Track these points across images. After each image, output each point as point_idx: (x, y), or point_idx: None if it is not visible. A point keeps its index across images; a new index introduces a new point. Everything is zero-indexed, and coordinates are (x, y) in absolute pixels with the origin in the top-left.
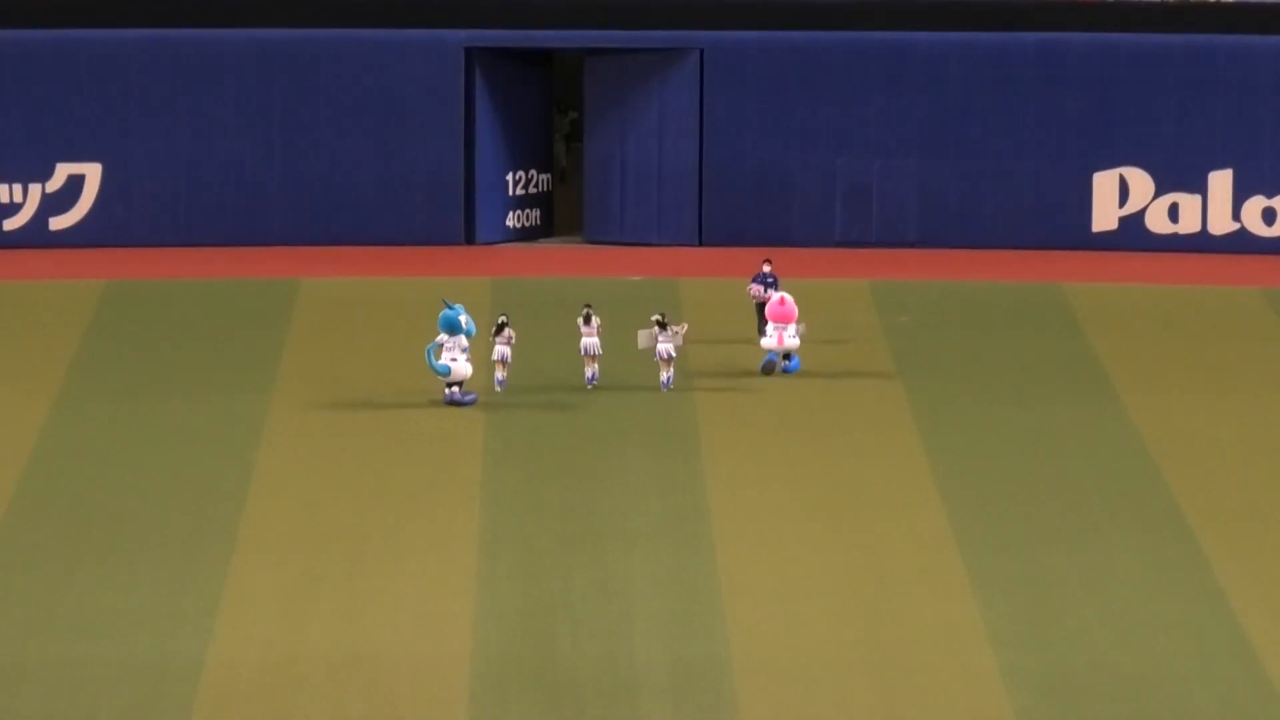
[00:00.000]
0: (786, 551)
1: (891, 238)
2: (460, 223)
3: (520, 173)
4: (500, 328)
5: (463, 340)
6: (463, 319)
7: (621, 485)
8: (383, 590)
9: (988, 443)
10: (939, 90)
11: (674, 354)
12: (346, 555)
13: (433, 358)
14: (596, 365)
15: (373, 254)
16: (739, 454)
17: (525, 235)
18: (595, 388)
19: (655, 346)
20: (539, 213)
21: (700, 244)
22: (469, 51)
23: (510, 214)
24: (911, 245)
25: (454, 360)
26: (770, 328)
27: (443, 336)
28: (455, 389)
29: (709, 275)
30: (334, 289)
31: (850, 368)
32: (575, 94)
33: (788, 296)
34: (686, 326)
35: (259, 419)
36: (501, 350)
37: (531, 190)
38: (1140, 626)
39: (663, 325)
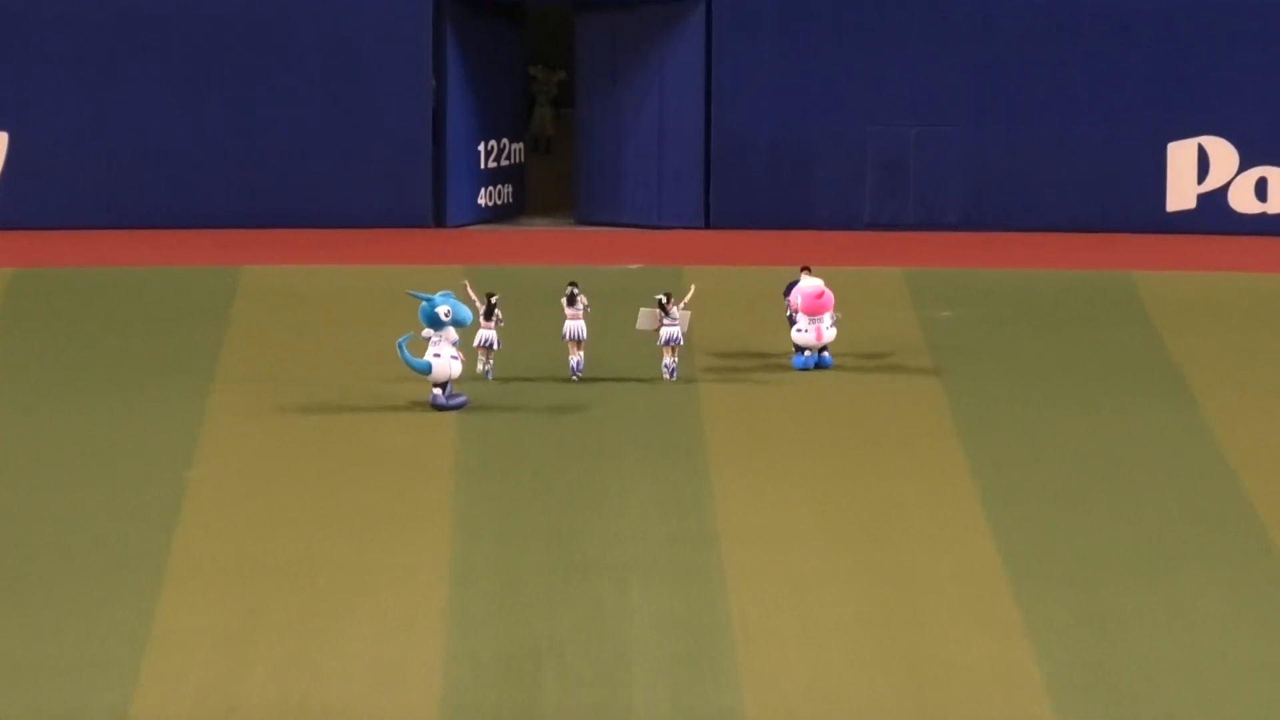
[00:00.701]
0: (809, 586)
1: (930, 219)
2: (428, 201)
3: (493, 142)
4: (489, 310)
5: (451, 334)
6: (443, 310)
7: (616, 506)
8: (336, 631)
9: (1043, 456)
10: (986, 45)
11: (680, 339)
12: (294, 590)
13: (406, 352)
14: (582, 353)
15: (326, 238)
16: (753, 469)
17: (498, 215)
18: (582, 380)
19: (659, 329)
20: (511, 189)
21: (708, 226)
22: (438, 0)
23: (482, 190)
24: (953, 228)
25: (437, 356)
26: (805, 320)
27: (426, 330)
28: (440, 391)
29: (718, 263)
30: (279, 278)
31: (883, 370)
32: (562, 50)
33: (825, 288)
34: (690, 311)
35: (192, 430)
36: (486, 335)
37: (504, 163)
38: (1225, 675)
39: (665, 307)
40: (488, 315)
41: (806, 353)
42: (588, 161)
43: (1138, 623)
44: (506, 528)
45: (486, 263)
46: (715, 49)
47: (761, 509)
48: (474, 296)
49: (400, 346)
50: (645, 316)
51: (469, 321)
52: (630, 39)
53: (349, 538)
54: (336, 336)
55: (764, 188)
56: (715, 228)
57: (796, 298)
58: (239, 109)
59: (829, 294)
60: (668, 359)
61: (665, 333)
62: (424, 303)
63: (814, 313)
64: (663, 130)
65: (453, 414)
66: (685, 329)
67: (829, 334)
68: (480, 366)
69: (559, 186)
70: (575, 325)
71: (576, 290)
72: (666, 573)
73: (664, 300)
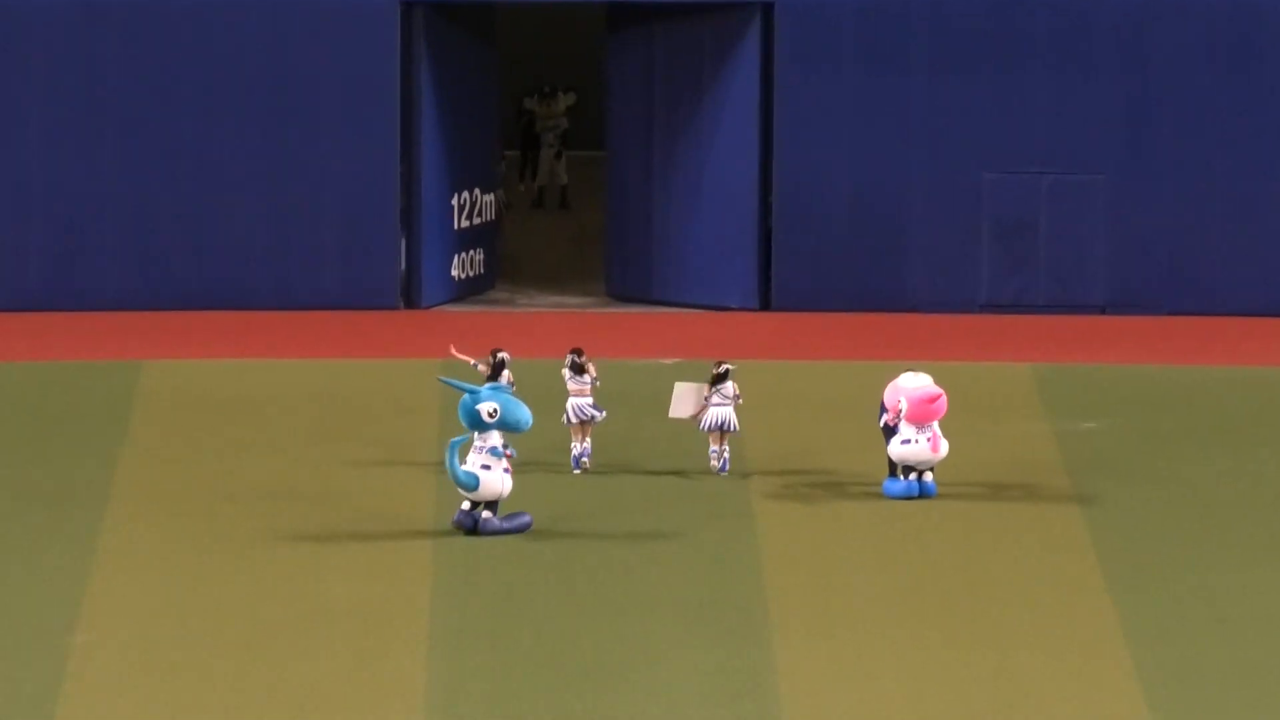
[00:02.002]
0: None
1: (1068, 298)
2: (395, 275)
3: (465, 195)
4: (495, 371)
5: (495, 439)
6: (487, 409)
7: (644, 683)
8: None
9: (1228, 621)
10: (1144, 68)
11: (734, 424)
12: None
13: (455, 460)
14: (589, 440)
15: (255, 323)
16: (829, 634)
17: (468, 289)
18: (587, 472)
19: (703, 413)
20: (483, 256)
21: (767, 308)
22: (408, 9)
23: (455, 258)
24: (1100, 310)
25: (486, 469)
26: (912, 431)
27: (474, 435)
28: (486, 511)
29: (780, 355)
30: (192, 376)
31: (1006, 501)
32: (566, 67)
33: (938, 388)
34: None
35: (77, 582)
36: (576, 405)
37: (476, 221)
38: None
39: (720, 378)
40: (494, 377)
41: (911, 475)
42: (618, 222)
43: None
44: (497, 714)
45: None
46: (778, 73)
47: (840, 690)
48: (467, 359)
49: (451, 449)
50: (684, 396)
51: (528, 425)
52: (672, 63)
53: None
54: (267, 451)
55: (842, 258)
56: (778, 309)
57: (899, 399)
58: (144, 157)
59: (943, 396)
60: (715, 447)
61: (713, 414)
62: (465, 395)
63: (924, 420)
64: (705, 180)
65: (428, 553)
66: (736, 408)
67: (944, 447)
68: (575, 451)
69: (556, 251)
70: (581, 403)
71: (582, 358)
72: None
73: (718, 371)
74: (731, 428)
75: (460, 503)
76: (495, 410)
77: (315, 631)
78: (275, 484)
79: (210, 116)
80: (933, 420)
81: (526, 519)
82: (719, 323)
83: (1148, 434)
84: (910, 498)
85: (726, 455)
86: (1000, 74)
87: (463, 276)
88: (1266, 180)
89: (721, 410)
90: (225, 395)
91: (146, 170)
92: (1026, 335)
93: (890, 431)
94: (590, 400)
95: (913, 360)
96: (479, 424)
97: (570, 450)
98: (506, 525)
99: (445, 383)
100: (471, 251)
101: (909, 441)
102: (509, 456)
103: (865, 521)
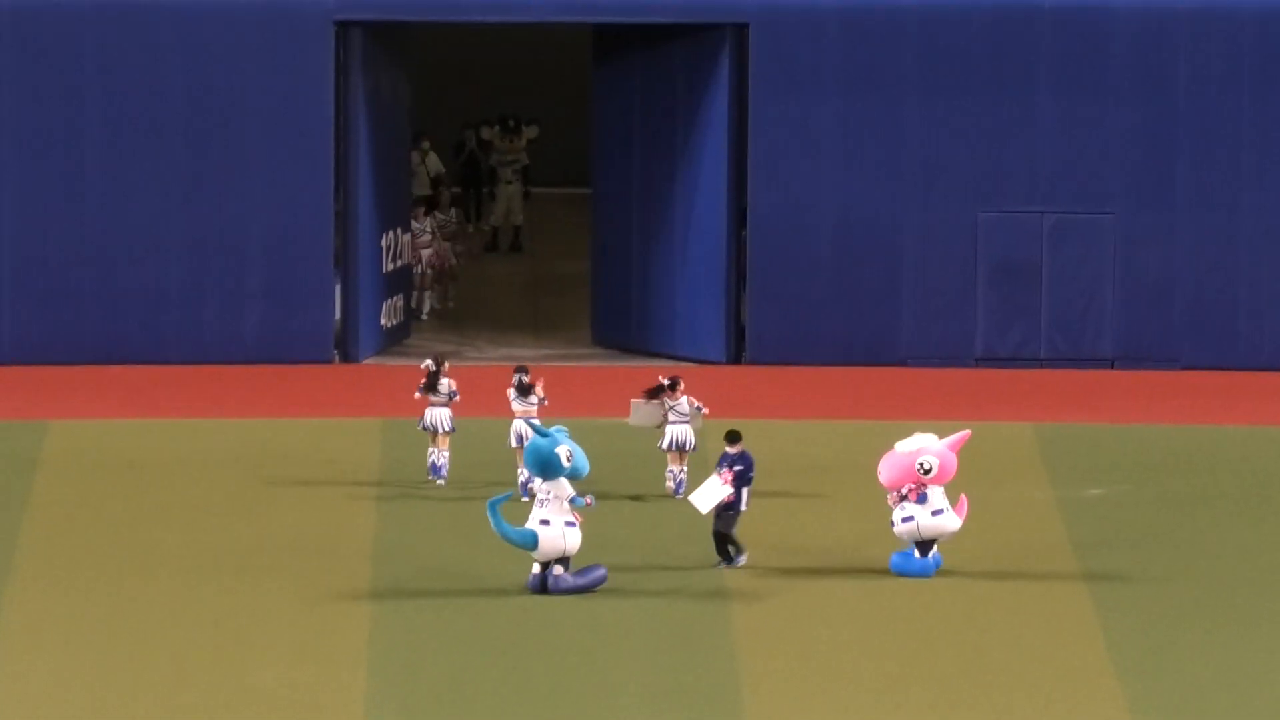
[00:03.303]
0: None
1: (1073, 350)
2: (328, 326)
3: (390, 233)
4: (431, 381)
5: (566, 488)
6: (565, 452)
7: None
8: None
9: (1243, 706)
10: (1158, 96)
11: (693, 443)
12: None
13: (500, 518)
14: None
15: (173, 378)
16: None
17: (391, 339)
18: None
19: (661, 426)
20: (402, 301)
21: (738, 360)
22: (342, 28)
23: (383, 306)
24: (1109, 364)
25: (545, 524)
26: (942, 500)
27: (536, 482)
28: (558, 567)
29: (754, 413)
30: (104, 435)
31: (1007, 577)
32: (527, 100)
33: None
34: (705, 410)
35: None
36: (436, 415)
37: (397, 264)
38: None
39: (671, 387)
40: (430, 388)
41: (933, 552)
42: (602, 266)
43: None
44: None
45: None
46: (754, 95)
47: None
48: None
49: (493, 510)
50: (642, 409)
51: (587, 471)
52: (650, 93)
53: None
54: (188, 524)
55: (823, 306)
56: (751, 362)
57: (919, 463)
58: (48, 191)
59: (954, 458)
60: (673, 467)
61: (672, 433)
62: (538, 439)
63: (935, 482)
64: (681, 222)
65: (364, 634)
66: (699, 427)
67: (953, 522)
68: (433, 459)
69: (523, 301)
70: (526, 425)
71: (528, 377)
72: None
73: (667, 384)
74: (691, 447)
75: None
76: (571, 454)
77: (230, 699)
78: (193, 555)
79: (119, 142)
80: (942, 482)
81: (601, 573)
82: (685, 376)
83: (1160, 501)
84: (927, 576)
85: (683, 477)
86: (1000, 99)
87: (388, 325)
88: None
89: (680, 429)
90: (137, 458)
91: (46, 205)
92: (1028, 391)
93: (903, 497)
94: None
95: (902, 420)
96: (554, 469)
97: (518, 475)
98: (580, 582)
99: (527, 423)
100: (395, 298)
101: (941, 511)
102: (588, 505)
103: (850, 599)
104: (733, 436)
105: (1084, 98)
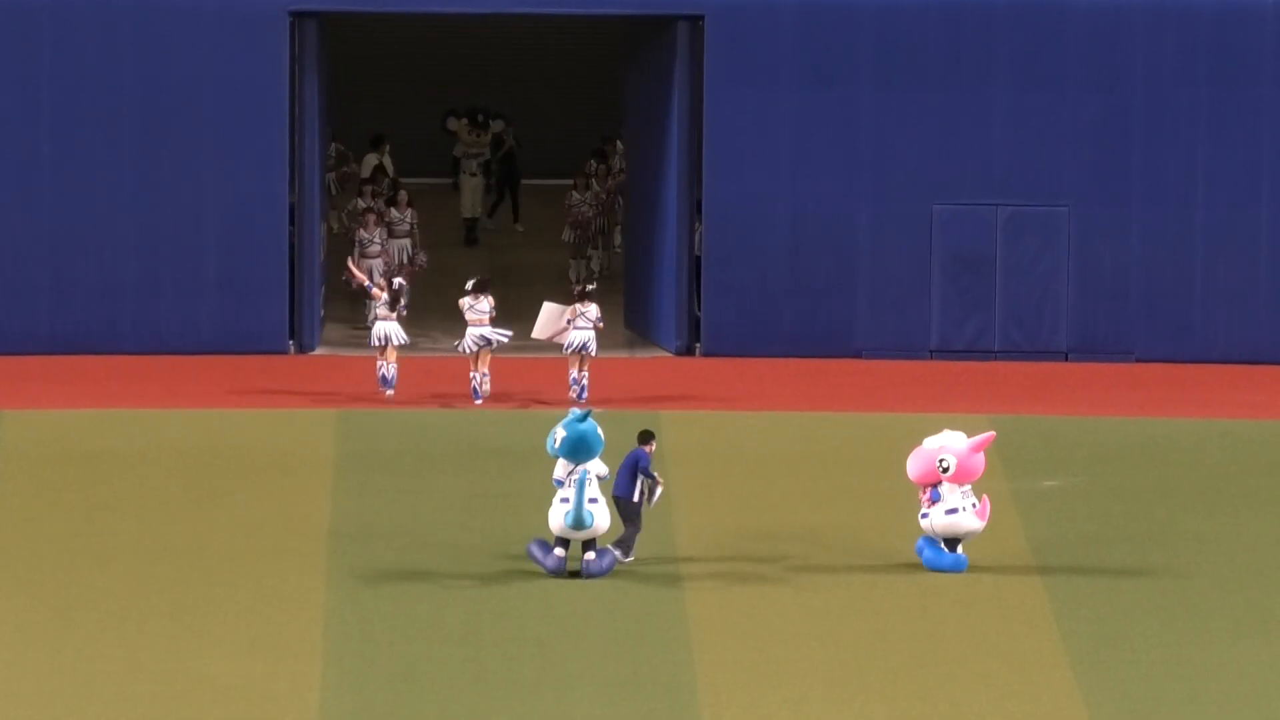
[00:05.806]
0: None
1: (1028, 343)
2: (282, 315)
3: (324, 223)
4: (395, 299)
5: (600, 467)
6: (559, 434)
7: None
8: None
9: (1201, 706)
10: (1113, 88)
11: (593, 347)
12: None
13: (584, 496)
14: (488, 371)
15: (128, 368)
16: (764, 714)
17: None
18: (481, 407)
19: (564, 335)
20: (323, 293)
21: (693, 352)
22: (297, 20)
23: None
24: (1064, 356)
25: (594, 501)
26: (959, 499)
27: (559, 464)
28: (589, 553)
29: (709, 405)
30: (57, 426)
31: (961, 571)
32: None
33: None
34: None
35: None
36: (385, 329)
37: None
38: None
39: (583, 296)
40: (393, 305)
41: (959, 548)
42: (630, 256)
43: None
44: None
45: (361, 404)
46: (709, 89)
47: None
48: (362, 279)
49: (582, 486)
50: (548, 317)
51: (606, 477)
52: (639, 82)
53: None
54: (142, 516)
55: (778, 298)
56: (707, 354)
57: (940, 461)
58: (4, 183)
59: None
60: (575, 373)
61: (574, 337)
62: (575, 419)
63: (963, 479)
64: (648, 213)
65: (319, 625)
66: (592, 335)
67: (976, 523)
68: (382, 371)
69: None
70: (480, 333)
71: (485, 280)
72: None
73: (583, 290)
74: (590, 351)
75: (531, 545)
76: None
77: (191, 714)
78: (148, 547)
79: (74, 134)
80: (976, 475)
81: (612, 558)
82: (637, 367)
83: (1115, 493)
84: (960, 570)
85: (585, 382)
86: (955, 92)
87: (323, 315)
88: (1250, 211)
89: (582, 334)
90: (92, 449)
91: (0, 196)
92: (982, 384)
93: (934, 500)
94: (489, 330)
95: (857, 412)
96: (580, 450)
97: (470, 380)
98: (607, 564)
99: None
100: (324, 288)
101: (956, 510)
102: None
103: (805, 589)
104: (644, 436)
105: (1039, 91)
